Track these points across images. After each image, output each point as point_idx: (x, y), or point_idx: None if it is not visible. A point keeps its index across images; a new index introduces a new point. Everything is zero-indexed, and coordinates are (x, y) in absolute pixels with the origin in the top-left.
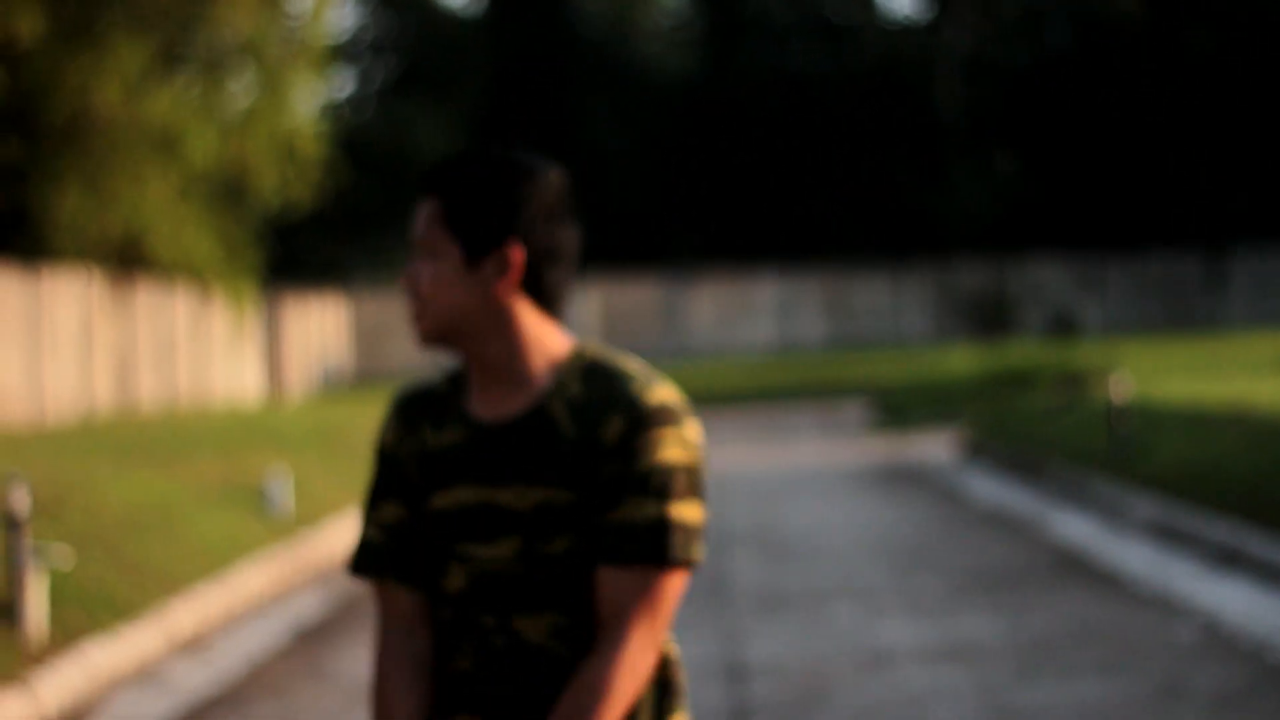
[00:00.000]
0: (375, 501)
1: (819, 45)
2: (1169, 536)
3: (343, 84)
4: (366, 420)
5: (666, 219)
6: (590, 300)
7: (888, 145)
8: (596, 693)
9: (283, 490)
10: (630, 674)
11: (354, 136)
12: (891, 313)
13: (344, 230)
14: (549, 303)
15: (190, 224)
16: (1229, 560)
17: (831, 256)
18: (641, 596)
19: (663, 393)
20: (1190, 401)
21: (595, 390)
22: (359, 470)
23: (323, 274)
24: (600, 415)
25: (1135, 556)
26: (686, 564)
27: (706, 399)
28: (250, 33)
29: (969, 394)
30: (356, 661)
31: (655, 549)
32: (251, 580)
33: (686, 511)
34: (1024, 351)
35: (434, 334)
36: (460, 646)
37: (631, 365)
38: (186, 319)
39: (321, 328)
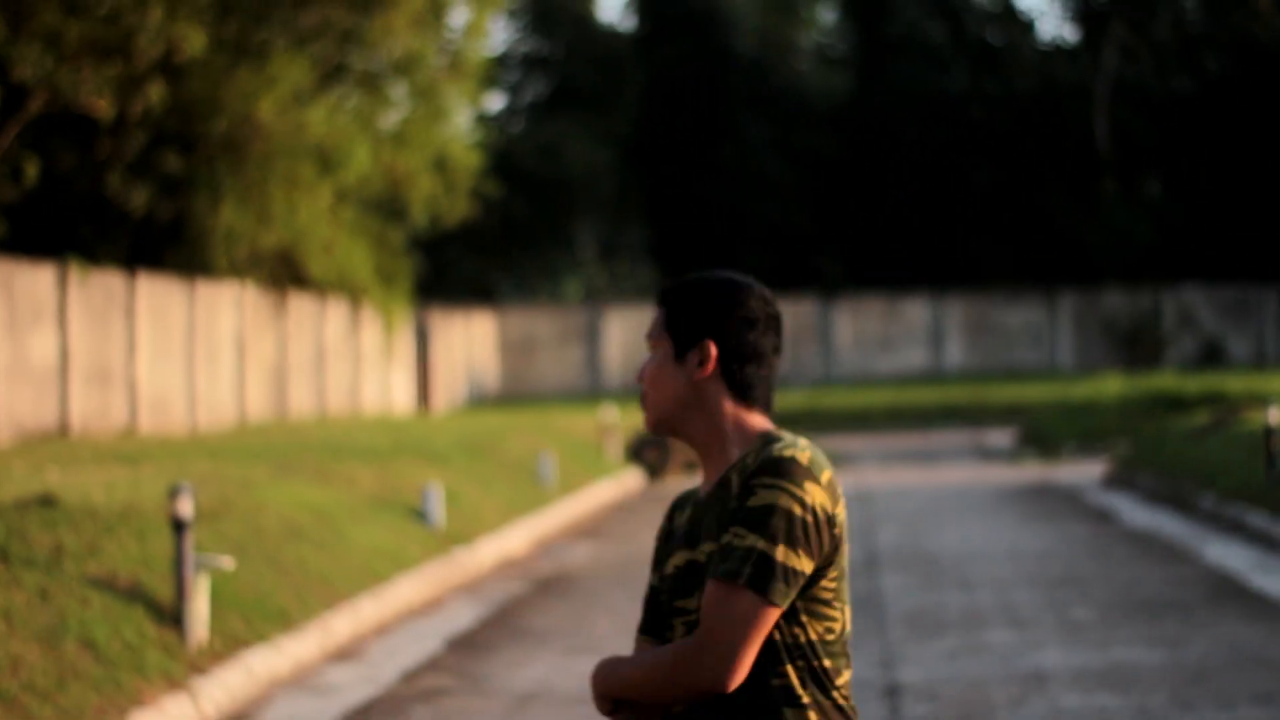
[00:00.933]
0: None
1: (970, 66)
2: None
3: (496, 100)
4: (514, 434)
5: (817, 240)
6: None
7: (1039, 169)
8: (640, 663)
9: (436, 502)
10: (672, 664)
11: (506, 152)
12: (1040, 339)
13: (493, 246)
14: (746, 393)
15: (344, 237)
16: None
17: (982, 281)
18: (714, 609)
19: (793, 452)
20: None
21: (757, 457)
22: (507, 482)
23: (471, 289)
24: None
25: None
26: (762, 595)
27: (856, 420)
28: (408, 48)
29: (1118, 419)
30: (508, 669)
31: (736, 571)
32: (406, 590)
33: (776, 550)
34: (1173, 379)
35: (656, 420)
36: None
37: (792, 437)
38: (338, 331)
39: (469, 342)
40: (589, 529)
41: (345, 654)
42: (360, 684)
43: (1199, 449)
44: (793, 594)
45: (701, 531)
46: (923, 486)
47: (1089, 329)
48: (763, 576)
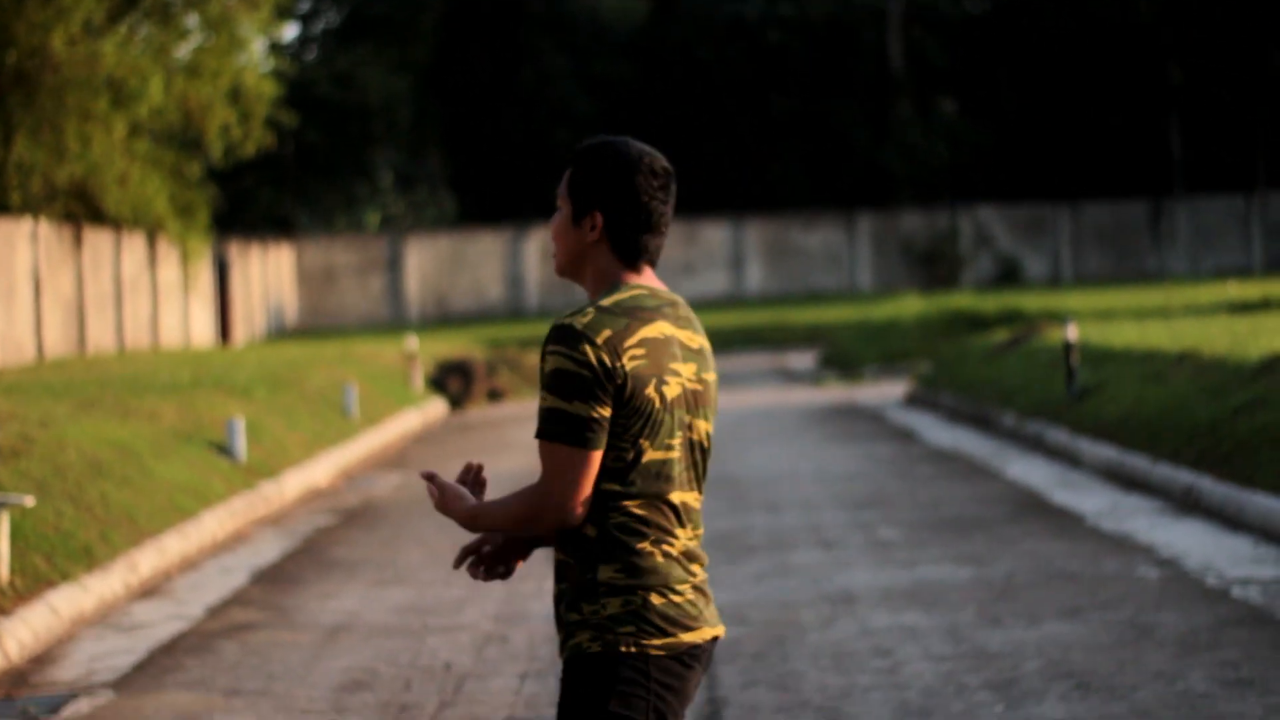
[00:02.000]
0: None
1: None
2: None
3: (291, 29)
4: (317, 366)
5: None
6: (533, 246)
7: (836, 92)
8: (504, 507)
9: (239, 435)
10: (525, 510)
11: (301, 82)
12: (839, 261)
13: (291, 177)
14: (630, 256)
15: (139, 170)
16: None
17: (780, 205)
18: (542, 461)
19: (572, 319)
20: (1135, 344)
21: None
22: (311, 414)
23: (270, 221)
24: None
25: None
26: (566, 441)
27: None
28: None
29: (918, 339)
30: (317, 601)
31: (541, 429)
32: (211, 525)
33: (565, 405)
34: (971, 299)
35: (559, 269)
36: None
37: (599, 302)
38: (136, 265)
39: (268, 274)
40: (394, 459)
41: (151, 591)
42: (167, 620)
43: (998, 367)
44: (599, 435)
45: None
46: (726, 410)
47: (887, 251)
48: (562, 427)
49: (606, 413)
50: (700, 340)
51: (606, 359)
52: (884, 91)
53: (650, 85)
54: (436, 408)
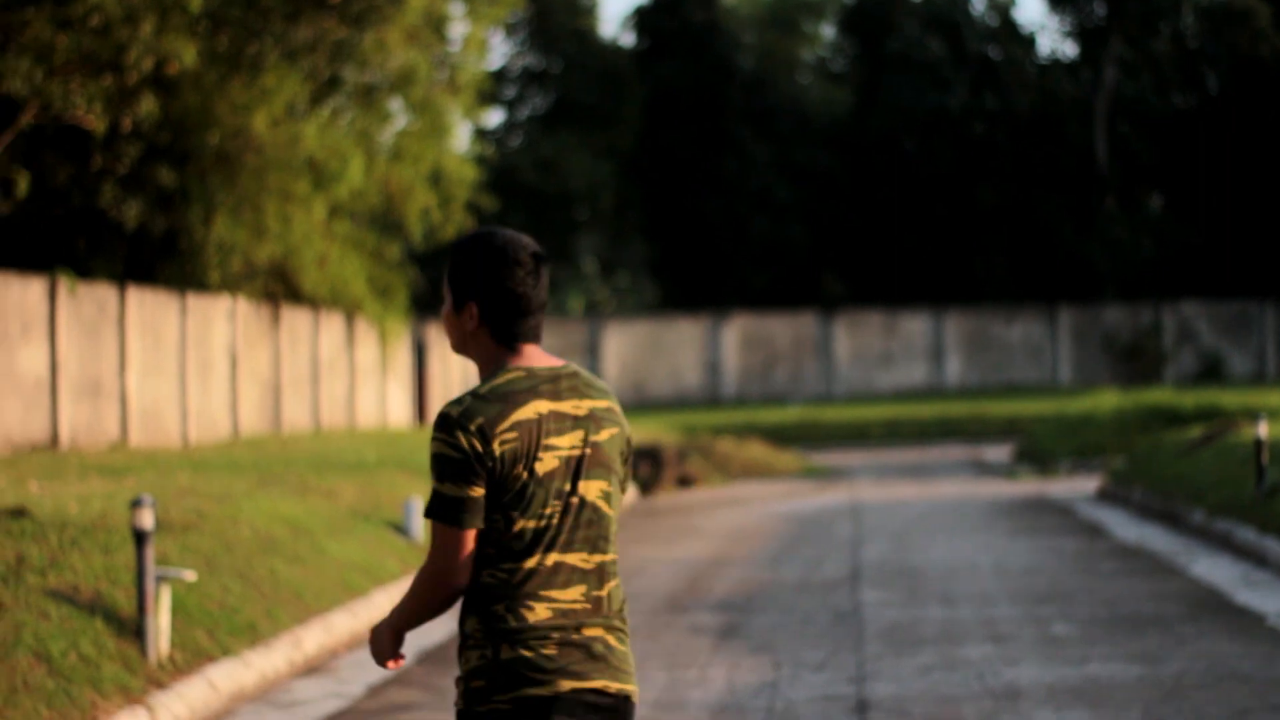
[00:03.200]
0: None
1: (970, 82)
2: None
3: (495, 115)
4: None
5: (817, 255)
6: (732, 333)
7: (1040, 185)
8: (408, 598)
9: (417, 514)
10: (423, 590)
11: (504, 167)
12: (1040, 355)
13: None
14: (509, 340)
15: (338, 250)
16: None
17: (982, 297)
18: (431, 539)
19: (449, 408)
20: None
21: None
22: None
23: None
24: None
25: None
26: (444, 521)
27: (855, 435)
28: (404, 62)
29: (1115, 434)
30: None
31: (428, 509)
32: (381, 603)
33: (442, 487)
34: (1169, 395)
35: (454, 349)
36: None
37: (475, 389)
38: (333, 345)
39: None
40: None
41: (314, 668)
42: (326, 698)
43: (1191, 464)
44: (472, 513)
45: None
46: (915, 501)
47: (1089, 345)
48: (439, 506)
49: (479, 493)
50: (589, 404)
51: (478, 444)
52: (1089, 185)
53: (852, 175)
54: (626, 493)
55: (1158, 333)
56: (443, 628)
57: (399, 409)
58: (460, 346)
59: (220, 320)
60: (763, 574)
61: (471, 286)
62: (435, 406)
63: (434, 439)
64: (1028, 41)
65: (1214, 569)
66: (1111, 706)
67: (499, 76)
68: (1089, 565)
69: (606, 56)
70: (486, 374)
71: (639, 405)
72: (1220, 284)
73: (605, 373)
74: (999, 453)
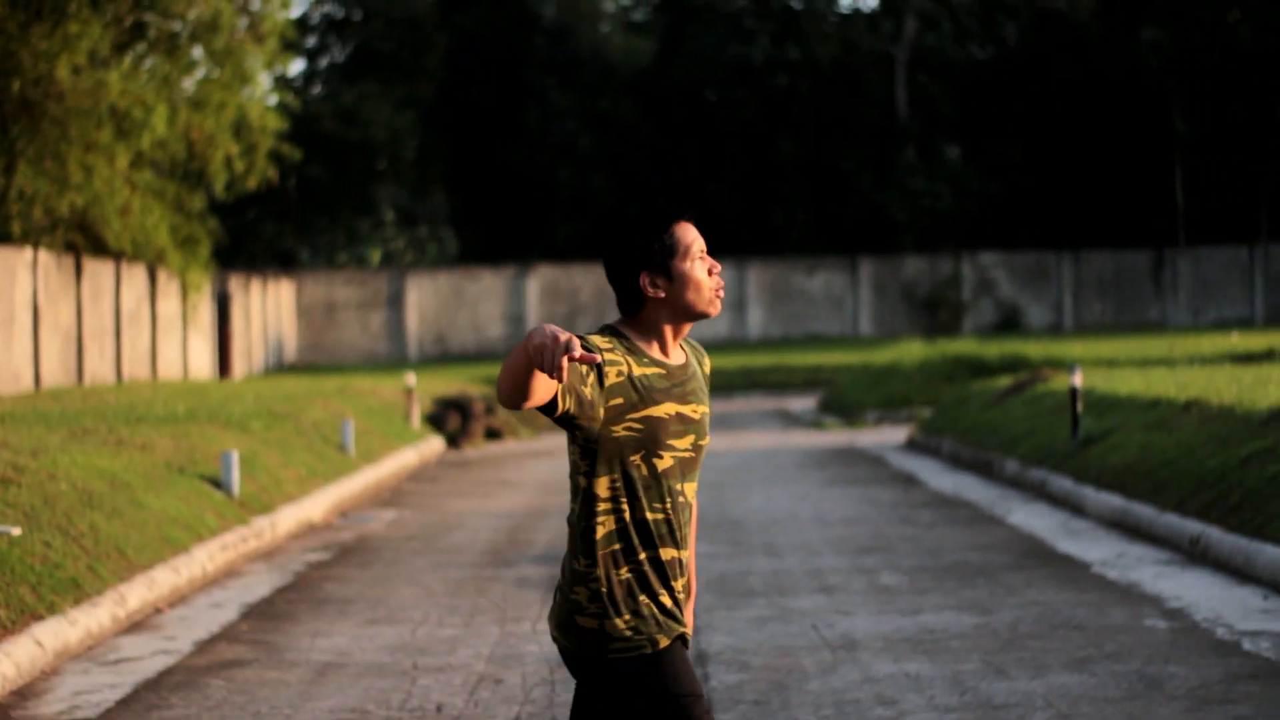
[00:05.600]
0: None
1: (772, 33)
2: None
3: (297, 64)
4: (315, 400)
5: (618, 205)
6: (535, 285)
7: (841, 136)
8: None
9: (234, 469)
10: None
11: (306, 117)
12: (842, 306)
13: (294, 211)
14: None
15: (142, 201)
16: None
17: (783, 248)
18: None
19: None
20: (1140, 393)
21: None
22: (307, 449)
23: (272, 255)
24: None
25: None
26: None
27: None
28: (207, 9)
29: (920, 385)
30: (307, 639)
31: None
32: (203, 559)
33: None
34: (973, 345)
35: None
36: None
37: None
38: (136, 297)
39: (269, 308)
40: (390, 496)
41: (139, 625)
42: (154, 656)
43: (1000, 414)
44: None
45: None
46: (727, 452)
47: (889, 296)
48: None
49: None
50: None
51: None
52: (889, 137)
53: (655, 125)
54: (434, 445)
55: (957, 283)
56: (268, 583)
57: (201, 362)
58: None
59: (22, 272)
60: None
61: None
62: (238, 359)
63: None
64: None
65: (1032, 518)
66: (950, 656)
67: (301, 25)
68: (908, 515)
69: (408, 5)
70: None
71: (441, 358)
72: (1018, 235)
73: (407, 324)
74: (804, 404)
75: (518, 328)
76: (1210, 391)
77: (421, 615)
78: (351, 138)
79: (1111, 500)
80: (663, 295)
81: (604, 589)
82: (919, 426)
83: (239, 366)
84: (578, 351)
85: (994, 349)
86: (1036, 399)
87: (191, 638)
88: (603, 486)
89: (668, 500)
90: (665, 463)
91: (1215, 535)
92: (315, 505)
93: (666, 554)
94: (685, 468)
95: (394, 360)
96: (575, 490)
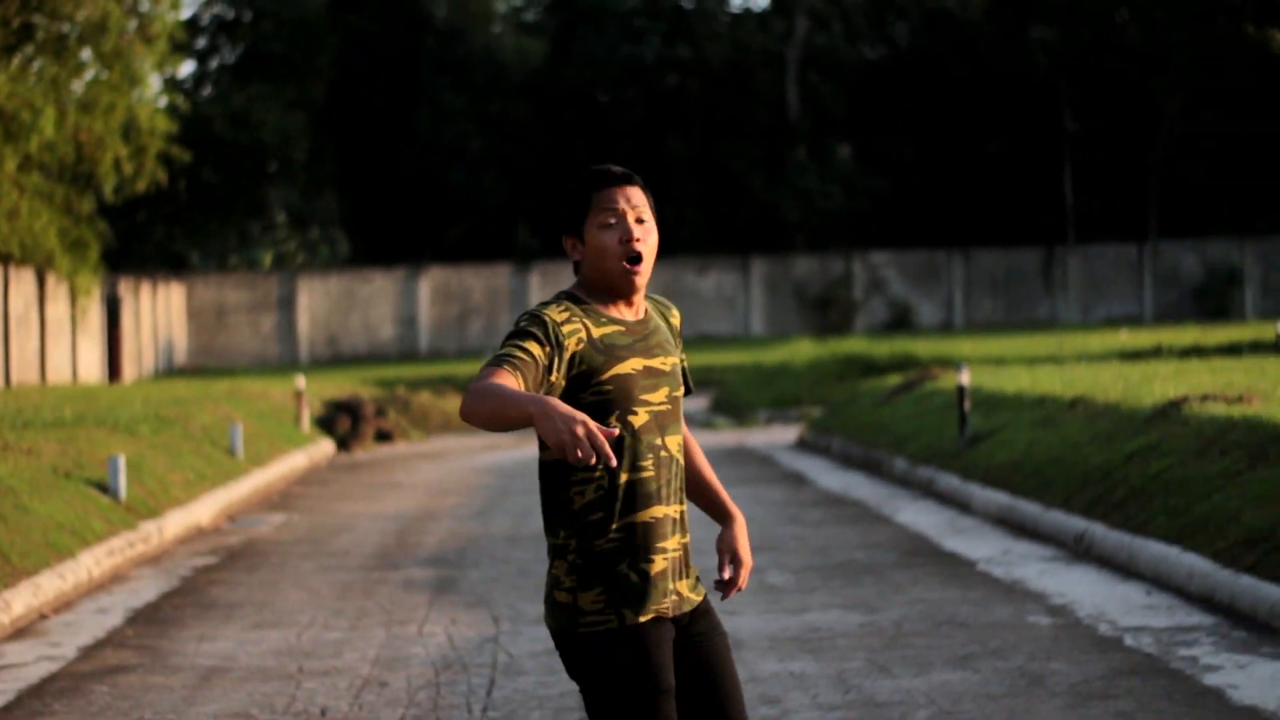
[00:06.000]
0: (524, 340)
1: (663, 33)
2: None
3: (186, 66)
4: (204, 404)
5: (512, 208)
6: (426, 286)
7: (732, 137)
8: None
9: (121, 474)
10: None
11: (196, 119)
12: (734, 305)
13: (184, 214)
14: None
15: (29, 205)
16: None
17: (676, 249)
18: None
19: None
20: (1027, 390)
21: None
22: (196, 453)
23: (163, 258)
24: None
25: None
26: None
27: None
28: (96, 11)
29: (810, 384)
30: (193, 644)
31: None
32: (89, 564)
33: None
34: (863, 344)
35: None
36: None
37: None
38: (23, 301)
39: (159, 312)
40: (278, 500)
41: (23, 631)
42: (38, 661)
43: (890, 412)
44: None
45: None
46: None
47: (781, 295)
48: None
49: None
50: None
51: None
52: (780, 136)
53: (546, 126)
54: (324, 448)
55: (848, 283)
56: (154, 588)
57: (90, 366)
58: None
59: None
60: (472, 527)
61: None
62: (128, 363)
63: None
64: None
65: (920, 516)
66: (835, 655)
67: (191, 26)
68: (797, 514)
69: (298, 6)
70: None
71: (333, 360)
72: (910, 234)
73: (298, 327)
74: (696, 404)
75: (410, 329)
76: (1097, 389)
77: (308, 619)
78: (242, 140)
79: (998, 498)
80: (579, 258)
81: (580, 560)
82: (809, 426)
83: (129, 370)
84: (602, 439)
85: (884, 348)
86: (925, 397)
87: (76, 643)
88: None
89: (648, 456)
90: (641, 419)
91: (1099, 532)
92: (203, 509)
93: (656, 512)
94: (663, 421)
95: (285, 363)
96: (544, 464)
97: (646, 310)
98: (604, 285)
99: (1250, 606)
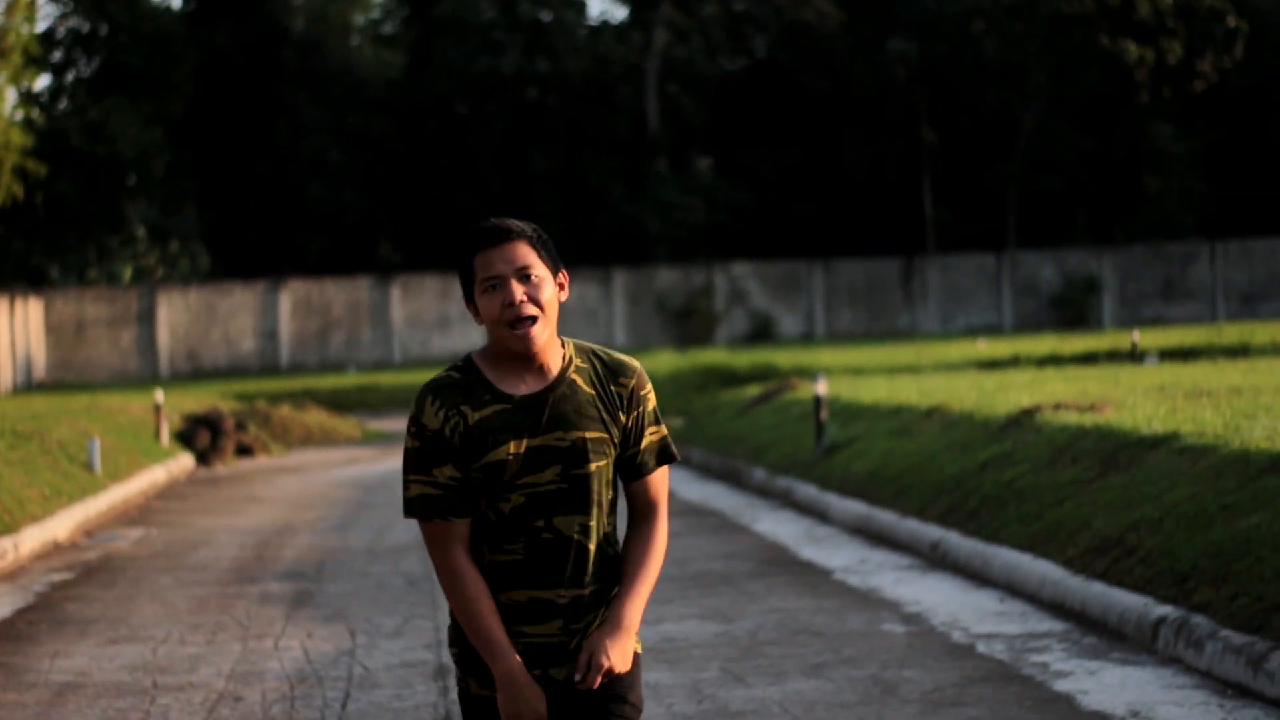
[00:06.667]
0: (428, 467)
1: (522, 45)
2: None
3: (42, 79)
4: (62, 419)
5: (372, 222)
6: (287, 300)
7: (593, 150)
8: (659, 549)
9: None
10: (658, 556)
11: (52, 132)
12: (596, 317)
13: (41, 228)
14: None
15: None
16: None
17: None
18: (666, 486)
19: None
20: (885, 400)
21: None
22: (53, 469)
23: (20, 272)
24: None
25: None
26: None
27: (410, 401)
28: None
29: (671, 395)
30: (47, 660)
31: (670, 455)
32: None
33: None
34: (724, 355)
35: (548, 337)
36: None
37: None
38: None
39: (14, 327)
40: (137, 515)
41: None
42: None
43: (749, 422)
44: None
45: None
46: None
47: (643, 307)
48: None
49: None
50: None
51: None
52: (641, 149)
53: (406, 139)
54: (183, 462)
55: (709, 294)
56: (8, 604)
57: None
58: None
59: None
60: (331, 541)
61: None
62: None
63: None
64: (579, 4)
65: (778, 525)
66: (690, 664)
67: (47, 39)
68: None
69: (156, 19)
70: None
71: (194, 374)
72: (770, 245)
73: (158, 341)
74: None
75: (271, 343)
76: (953, 398)
77: (164, 634)
78: (99, 152)
79: (855, 507)
80: (480, 324)
81: (451, 619)
82: (670, 437)
83: None
84: None
85: (745, 358)
86: (784, 407)
87: None
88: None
89: (519, 540)
90: (515, 502)
91: (954, 540)
92: (60, 525)
93: (519, 596)
94: (550, 502)
95: (146, 377)
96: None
97: (563, 376)
98: (502, 349)
99: (1100, 613)
